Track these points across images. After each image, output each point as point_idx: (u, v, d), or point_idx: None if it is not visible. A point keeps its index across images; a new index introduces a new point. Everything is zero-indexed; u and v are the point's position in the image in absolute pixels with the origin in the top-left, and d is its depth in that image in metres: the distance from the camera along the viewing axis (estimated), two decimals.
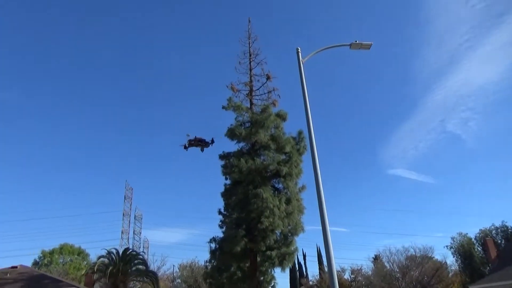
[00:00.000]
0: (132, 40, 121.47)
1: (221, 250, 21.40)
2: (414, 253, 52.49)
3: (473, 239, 58.17)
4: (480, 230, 58.19)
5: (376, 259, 65.47)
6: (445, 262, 52.90)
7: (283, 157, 22.03)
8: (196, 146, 37.79)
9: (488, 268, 45.90)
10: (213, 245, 22.17)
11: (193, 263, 50.09)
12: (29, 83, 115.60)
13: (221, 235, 22.16)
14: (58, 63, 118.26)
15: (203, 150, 39.79)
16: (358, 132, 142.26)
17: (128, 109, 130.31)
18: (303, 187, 22.96)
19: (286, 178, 21.43)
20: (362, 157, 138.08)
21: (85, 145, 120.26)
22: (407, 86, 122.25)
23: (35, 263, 63.11)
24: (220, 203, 22.97)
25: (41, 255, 68.27)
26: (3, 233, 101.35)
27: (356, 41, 12.35)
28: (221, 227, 22.60)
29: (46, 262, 65.45)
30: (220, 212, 22.78)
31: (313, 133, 8.96)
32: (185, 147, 38.17)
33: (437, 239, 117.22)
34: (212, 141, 37.70)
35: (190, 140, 38.23)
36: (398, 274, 56.61)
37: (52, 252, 68.29)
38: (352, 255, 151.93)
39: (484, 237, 49.71)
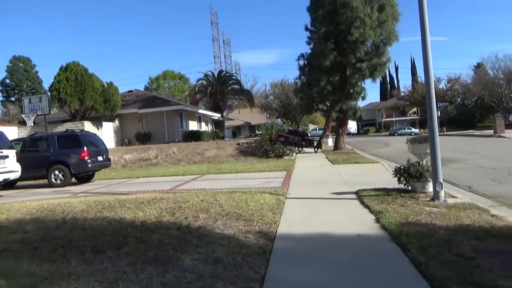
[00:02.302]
0: None
1: (310, 65, 21.53)
2: None
3: None
4: None
5: (479, 67, 60.89)
6: None
7: None
8: None
9: None
10: (301, 62, 22.33)
11: (284, 81, 52.28)
12: None
13: (309, 51, 21.93)
14: None
15: None
16: None
17: None
18: None
19: None
20: None
21: None
22: None
23: (146, 89, 72.07)
24: (307, 19, 21.87)
25: (149, 81, 77.31)
26: (117, 64, 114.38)
27: None
28: (308, 43, 22.11)
29: (154, 87, 74.36)
30: (307, 28, 21.86)
31: None
32: None
33: None
34: None
35: None
36: (502, 81, 52.95)
37: (157, 78, 76.69)
38: (450, 64, 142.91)
39: None
